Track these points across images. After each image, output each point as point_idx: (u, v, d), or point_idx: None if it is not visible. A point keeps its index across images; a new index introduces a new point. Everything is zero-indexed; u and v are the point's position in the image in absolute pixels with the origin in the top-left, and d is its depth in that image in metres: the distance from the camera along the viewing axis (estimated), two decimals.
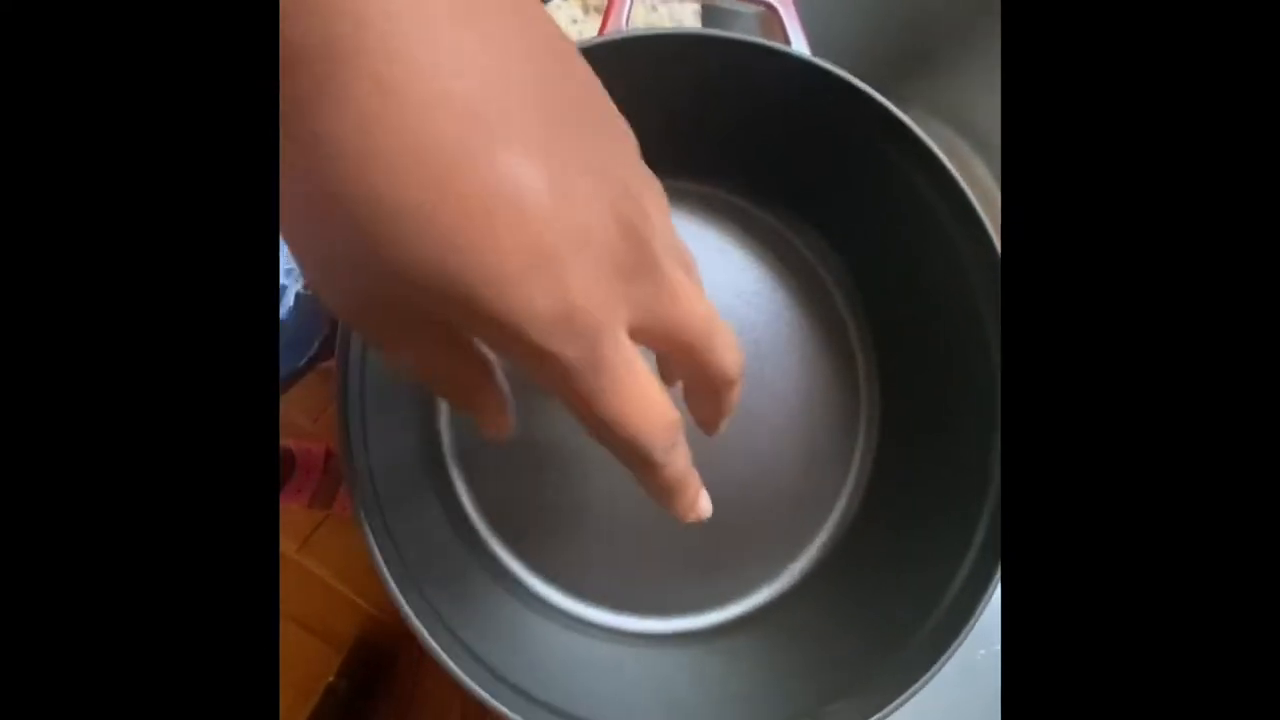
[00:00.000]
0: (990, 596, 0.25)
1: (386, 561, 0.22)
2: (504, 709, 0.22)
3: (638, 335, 0.16)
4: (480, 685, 0.22)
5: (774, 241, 0.33)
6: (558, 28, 0.16)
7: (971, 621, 0.25)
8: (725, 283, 0.33)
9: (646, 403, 0.16)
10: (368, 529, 0.22)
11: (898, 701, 0.24)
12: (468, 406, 0.19)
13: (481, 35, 0.14)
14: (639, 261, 0.16)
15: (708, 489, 0.30)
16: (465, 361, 0.18)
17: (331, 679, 0.68)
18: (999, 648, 0.45)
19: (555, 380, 0.15)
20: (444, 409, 0.30)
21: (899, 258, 0.31)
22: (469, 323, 0.15)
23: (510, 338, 0.15)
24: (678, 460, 0.18)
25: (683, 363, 0.18)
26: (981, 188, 0.57)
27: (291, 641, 0.72)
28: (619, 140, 0.17)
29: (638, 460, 0.17)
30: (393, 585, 0.22)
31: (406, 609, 0.22)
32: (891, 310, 0.33)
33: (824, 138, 0.29)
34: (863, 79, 0.28)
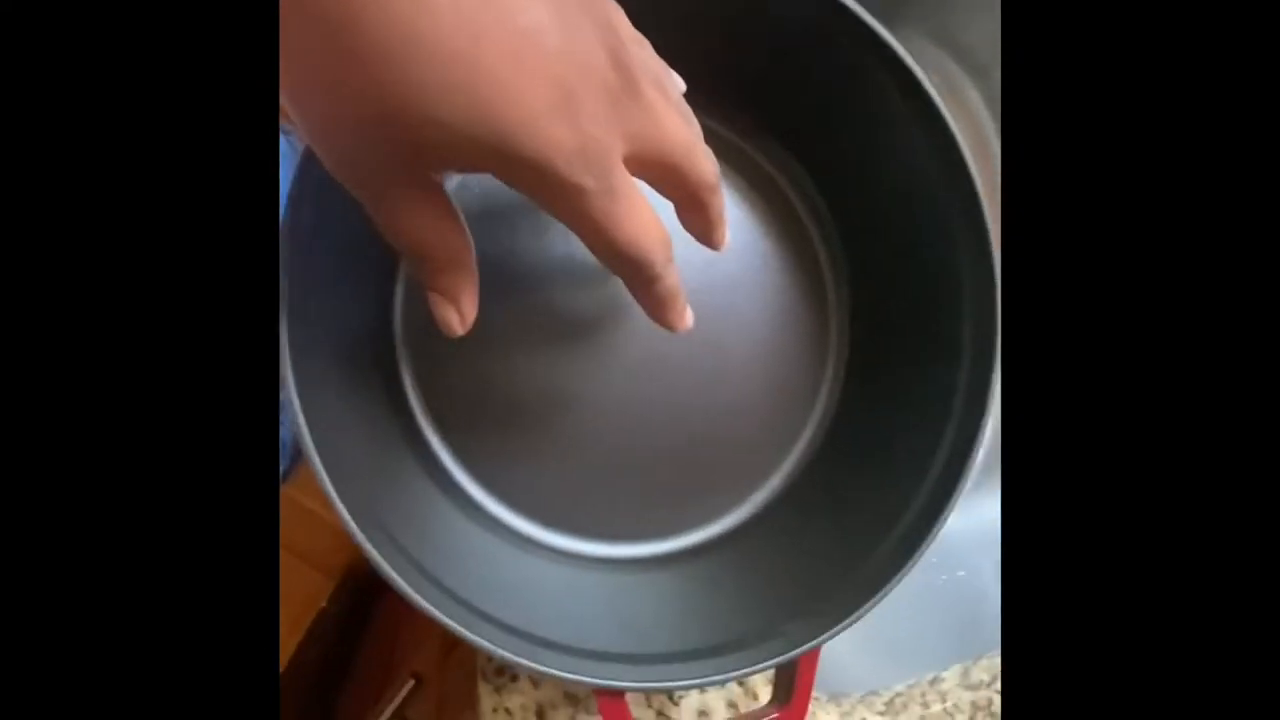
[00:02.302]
0: (943, 523, 0.26)
1: (341, 495, 0.22)
2: (460, 629, 0.23)
3: (630, 164, 0.19)
4: (437, 607, 0.23)
5: (743, 167, 0.32)
6: None
7: (923, 547, 0.25)
8: None
9: (648, 223, 0.19)
10: (319, 463, 0.22)
11: (850, 619, 0.25)
12: (444, 283, 0.21)
13: None
14: (626, 87, 0.18)
15: (675, 416, 0.31)
16: (455, 233, 0.20)
17: (324, 604, 0.70)
18: (963, 573, 0.47)
19: (573, 210, 0.18)
20: (399, 332, 0.30)
21: (875, 188, 0.30)
22: (503, 165, 0.17)
23: (541, 174, 0.17)
24: (672, 274, 0.21)
25: (669, 180, 0.21)
26: (974, 118, 0.55)
27: (285, 569, 0.74)
28: None
29: (641, 276, 0.20)
30: (348, 516, 0.22)
31: (357, 531, 0.22)
32: (866, 242, 0.32)
33: (798, 50, 0.28)
34: None
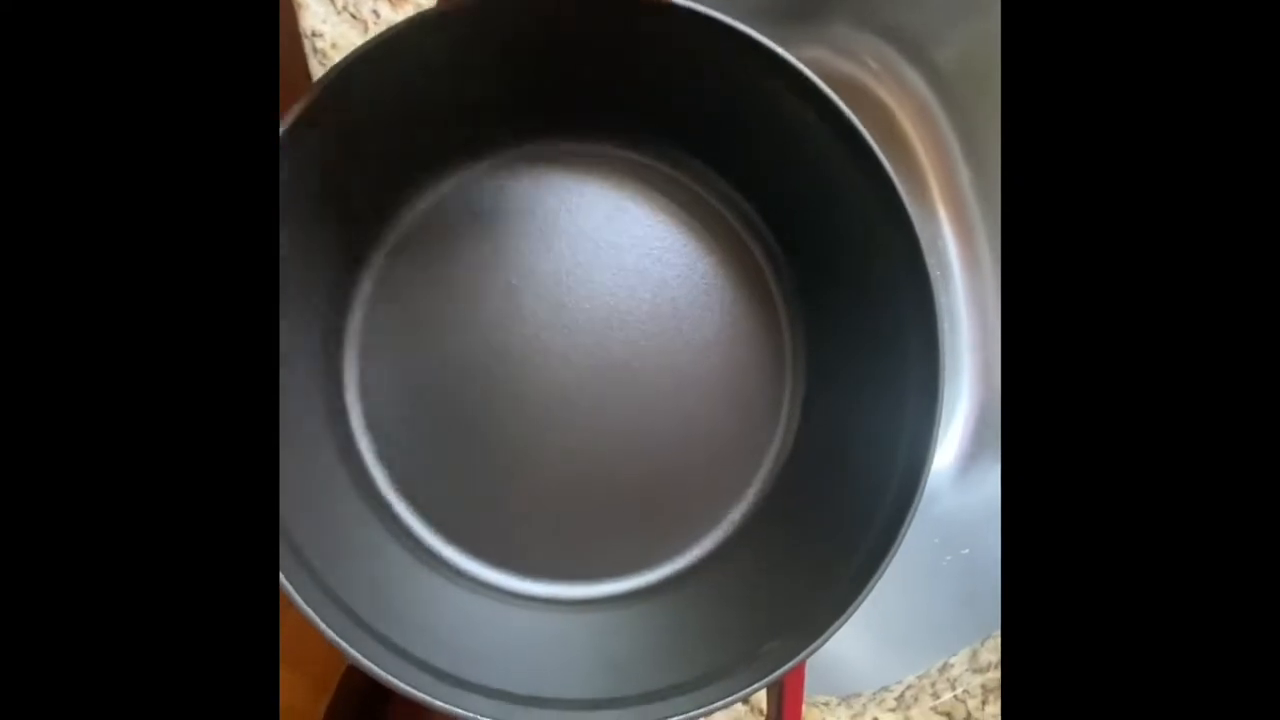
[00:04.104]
0: (907, 528, 0.26)
1: (291, 578, 0.22)
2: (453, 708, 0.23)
3: None
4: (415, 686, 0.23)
5: (676, 193, 0.33)
6: None
7: (889, 556, 0.25)
8: (629, 244, 0.32)
9: None
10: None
11: (828, 633, 0.25)
12: None
13: None
14: None
15: (639, 447, 0.31)
16: None
17: (325, 711, 0.69)
18: (967, 551, 0.47)
19: None
20: (351, 400, 0.30)
21: (805, 195, 0.31)
22: None
23: None
24: None
25: None
26: (916, 95, 0.55)
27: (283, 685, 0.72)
28: None
29: None
30: (301, 601, 0.22)
31: (310, 613, 0.22)
32: (807, 249, 0.32)
33: (709, 80, 0.28)
34: None
